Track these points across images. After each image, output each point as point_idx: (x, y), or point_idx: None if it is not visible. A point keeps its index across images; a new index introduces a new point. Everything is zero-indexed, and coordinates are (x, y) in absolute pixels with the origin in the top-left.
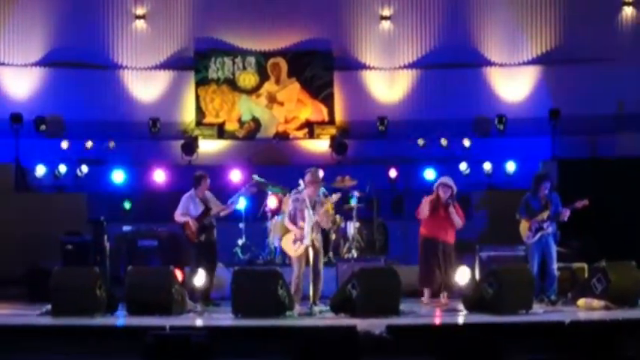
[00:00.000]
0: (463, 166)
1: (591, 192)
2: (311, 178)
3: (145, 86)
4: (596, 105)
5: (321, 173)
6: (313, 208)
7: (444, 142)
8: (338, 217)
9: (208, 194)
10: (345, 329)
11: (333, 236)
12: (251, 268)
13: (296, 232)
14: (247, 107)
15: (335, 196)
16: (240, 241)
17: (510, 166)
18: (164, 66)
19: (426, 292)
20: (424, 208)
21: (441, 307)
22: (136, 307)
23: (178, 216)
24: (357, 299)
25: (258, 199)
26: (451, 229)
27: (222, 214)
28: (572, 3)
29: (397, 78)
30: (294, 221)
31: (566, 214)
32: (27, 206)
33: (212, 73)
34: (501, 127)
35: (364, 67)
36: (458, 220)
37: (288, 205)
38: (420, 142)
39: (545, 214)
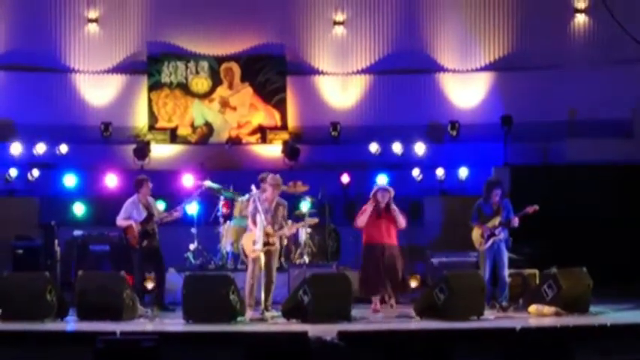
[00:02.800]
0: (416, 172)
1: (542, 198)
2: (273, 181)
3: (98, 90)
4: (547, 112)
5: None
6: (275, 210)
7: (396, 147)
8: (290, 222)
9: (150, 200)
10: (296, 335)
11: (285, 241)
12: (202, 273)
13: (256, 234)
14: (200, 112)
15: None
16: (192, 246)
17: (463, 172)
18: (116, 70)
19: (375, 299)
20: (362, 218)
21: (390, 313)
22: (87, 312)
23: (120, 220)
24: (309, 305)
25: (210, 203)
26: (393, 231)
27: (165, 220)
28: (525, 11)
29: (350, 83)
30: (254, 221)
31: (517, 220)
32: None
33: (165, 78)
34: (454, 133)
35: (317, 72)
36: (402, 220)
37: (250, 205)
38: (373, 147)
39: (496, 221)
